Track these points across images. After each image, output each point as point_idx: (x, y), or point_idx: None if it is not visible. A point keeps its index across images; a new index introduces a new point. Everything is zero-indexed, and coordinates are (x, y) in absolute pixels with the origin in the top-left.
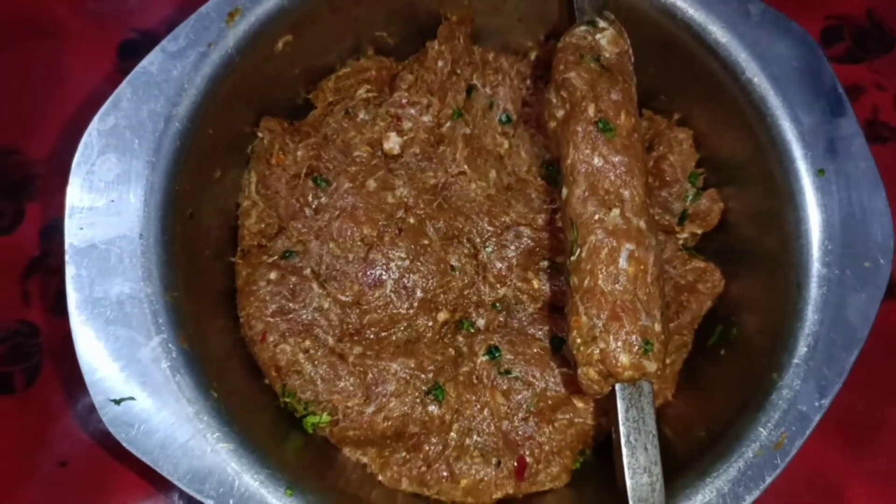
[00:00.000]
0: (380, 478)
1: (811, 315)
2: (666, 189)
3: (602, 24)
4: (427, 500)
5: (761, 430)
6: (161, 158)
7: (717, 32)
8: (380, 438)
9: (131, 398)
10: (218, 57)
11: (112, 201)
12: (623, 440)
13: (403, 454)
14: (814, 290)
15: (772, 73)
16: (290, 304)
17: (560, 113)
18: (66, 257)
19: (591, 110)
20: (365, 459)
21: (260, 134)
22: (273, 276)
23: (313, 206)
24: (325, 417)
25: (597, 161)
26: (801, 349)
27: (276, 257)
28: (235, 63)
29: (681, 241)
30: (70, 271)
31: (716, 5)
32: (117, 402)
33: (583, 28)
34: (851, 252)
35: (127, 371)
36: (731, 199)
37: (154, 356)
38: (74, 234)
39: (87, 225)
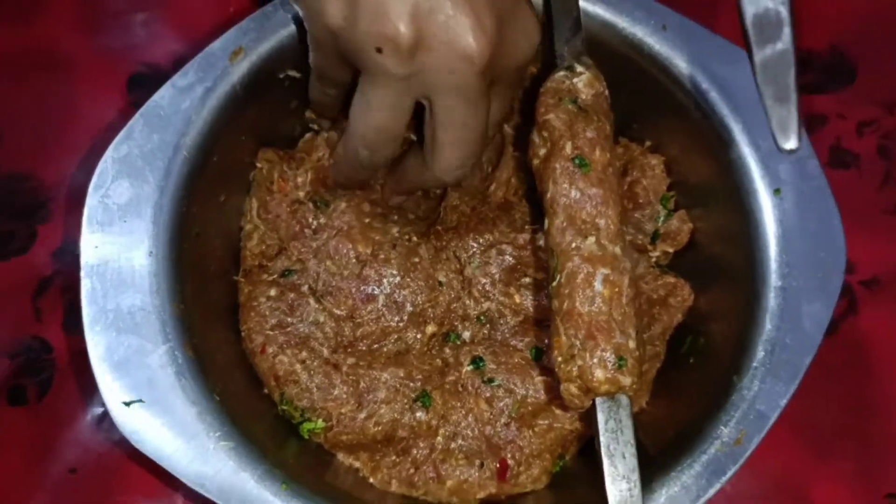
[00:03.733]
0: (371, 480)
1: (769, 323)
2: (639, 211)
3: (579, 68)
4: (415, 500)
5: (723, 427)
6: (170, 183)
7: (682, 66)
8: (371, 443)
9: (140, 401)
10: (223, 92)
11: (125, 222)
12: (603, 450)
13: (393, 457)
14: (772, 300)
15: (732, 101)
16: (289, 319)
17: (542, 151)
18: (82, 273)
19: (568, 148)
20: (357, 464)
21: (259, 164)
22: (273, 292)
23: (312, 227)
24: (321, 423)
25: (574, 194)
26: (760, 354)
27: (275, 275)
28: (238, 97)
29: (653, 259)
30: (85, 286)
31: (680, 41)
32: (127, 404)
33: (561, 73)
34: (806, 264)
35: (137, 376)
36: (699, 219)
37: (161, 363)
38: (90, 251)
39: (101, 243)
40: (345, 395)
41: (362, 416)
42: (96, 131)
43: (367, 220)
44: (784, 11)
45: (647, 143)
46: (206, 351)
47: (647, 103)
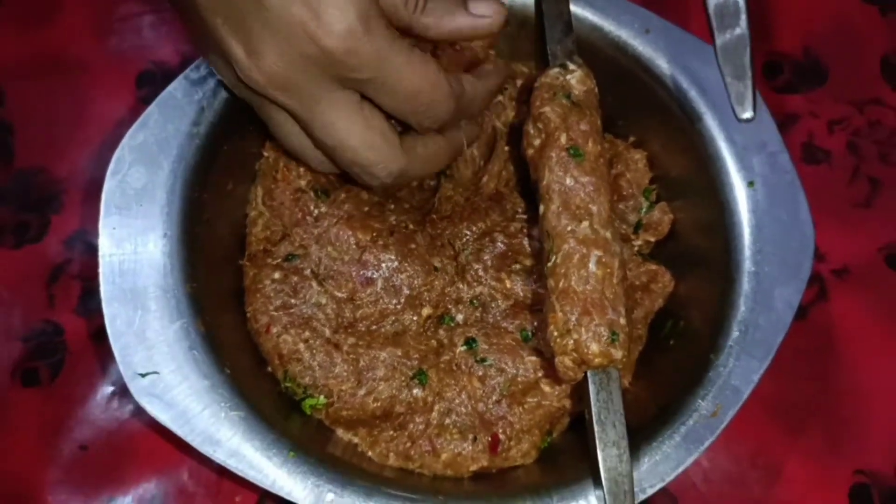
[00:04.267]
0: (369, 454)
1: (743, 305)
2: (623, 202)
3: (572, 66)
4: (411, 472)
5: (700, 401)
6: (182, 170)
7: (663, 66)
8: (370, 418)
9: (156, 373)
10: None
11: (141, 205)
12: (595, 418)
13: (391, 432)
14: (745, 285)
15: (710, 100)
16: (292, 300)
17: (537, 142)
18: (100, 253)
19: (563, 139)
20: (356, 440)
21: (266, 153)
22: (277, 275)
23: (314, 215)
24: (322, 400)
25: (569, 181)
26: (734, 333)
27: (279, 260)
28: None
29: (636, 248)
30: (103, 265)
31: (662, 44)
32: (143, 375)
33: (555, 70)
34: (778, 251)
35: (152, 350)
36: (679, 210)
37: (176, 338)
38: (108, 233)
39: (118, 225)
40: (345, 373)
41: (362, 392)
42: (106, 127)
43: (365, 209)
44: (741, 2)
45: (631, 139)
46: (215, 330)
47: (631, 101)
